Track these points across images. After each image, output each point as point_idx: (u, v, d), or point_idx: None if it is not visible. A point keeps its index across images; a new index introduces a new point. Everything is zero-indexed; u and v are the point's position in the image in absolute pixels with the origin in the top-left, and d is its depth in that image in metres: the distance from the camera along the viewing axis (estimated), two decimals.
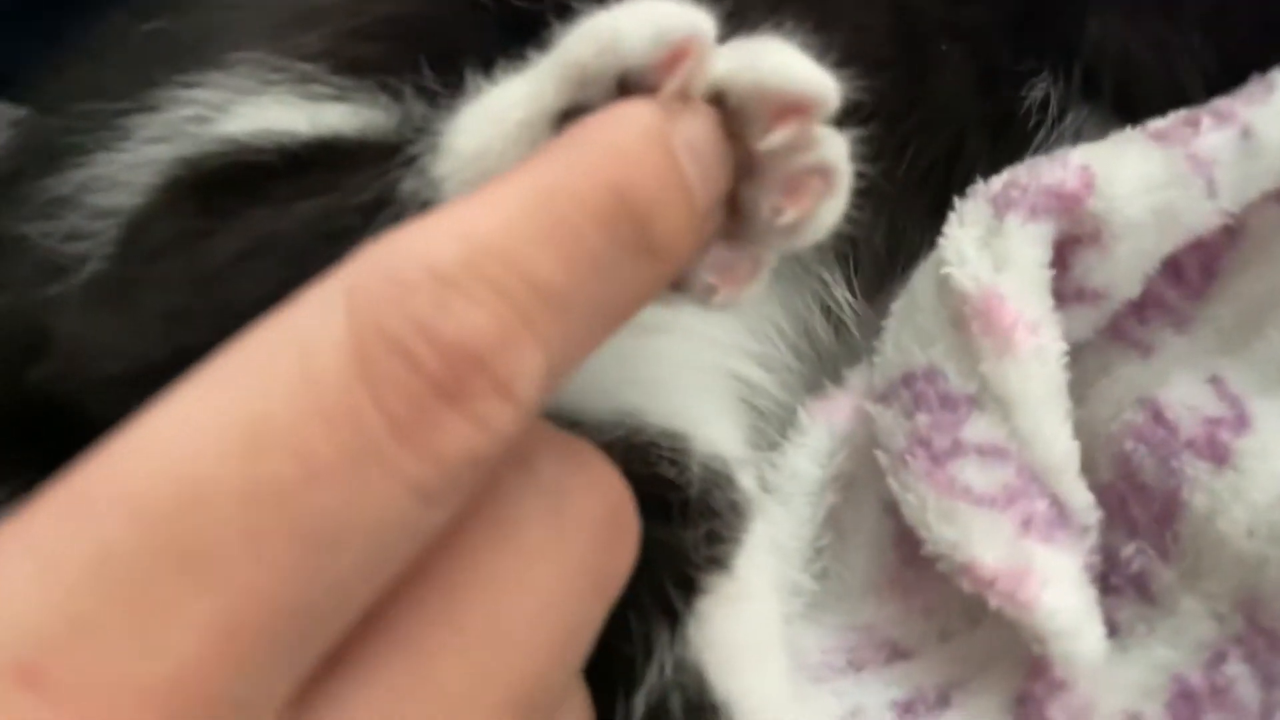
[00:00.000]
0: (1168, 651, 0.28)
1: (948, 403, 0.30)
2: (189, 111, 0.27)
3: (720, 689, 0.27)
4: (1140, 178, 0.30)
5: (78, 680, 0.15)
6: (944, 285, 0.31)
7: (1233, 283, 0.33)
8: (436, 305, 0.17)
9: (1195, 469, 0.29)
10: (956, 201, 0.32)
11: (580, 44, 0.22)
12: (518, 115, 0.23)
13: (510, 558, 0.20)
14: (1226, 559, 0.28)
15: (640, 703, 0.26)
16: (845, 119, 0.34)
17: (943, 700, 0.29)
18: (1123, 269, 0.31)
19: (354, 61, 0.27)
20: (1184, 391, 0.31)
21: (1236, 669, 0.27)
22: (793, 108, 0.22)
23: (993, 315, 0.29)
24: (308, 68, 0.27)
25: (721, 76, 0.22)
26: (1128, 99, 0.34)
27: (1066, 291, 0.31)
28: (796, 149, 0.22)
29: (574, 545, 0.21)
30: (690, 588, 0.28)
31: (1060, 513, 0.29)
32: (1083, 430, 0.31)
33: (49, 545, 0.16)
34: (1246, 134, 0.30)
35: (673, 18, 0.22)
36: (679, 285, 0.24)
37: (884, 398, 0.32)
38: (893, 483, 0.30)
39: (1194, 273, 0.33)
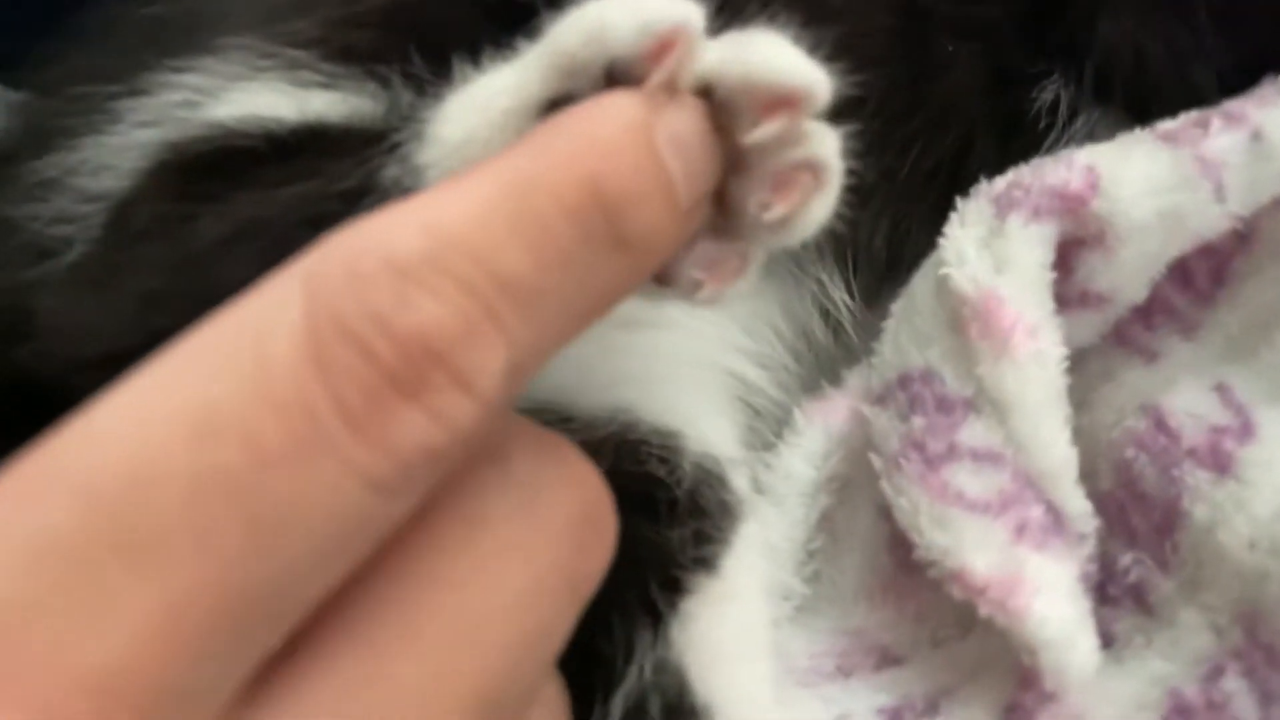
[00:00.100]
0: (1164, 664, 0.28)
1: (943, 406, 0.29)
2: (178, 96, 0.27)
3: (701, 692, 0.26)
4: (1146, 179, 0.29)
5: (11, 664, 0.14)
6: (942, 286, 0.30)
7: (1242, 288, 0.32)
8: (395, 296, 0.17)
9: (1196, 478, 0.28)
10: (958, 201, 0.32)
11: (568, 33, 0.22)
12: (503, 104, 0.23)
13: (477, 554, 0.19)
14: (1226, 571, 0.27)
15: (619, 704, 0.26)
16: (844, 116, 0.34)
17: (931, 708, 0.28)
18: (1127, 273, 0.30)
19: (344, 49, 0.27)
20: (1188, 399, 0.30)
21: (1234, 684, 0.27)
22: (782, 101, 0.21)
23: (991, 317, 0.29)
24: (298, 54, 0.27)
25: (710, 69, 0.21)
26: (1140, 101, 0.33)
27: (1069, 295, 0.31)
28: (786, 143, 0.22)
29: (545, 543, 0.20)
30: (675, 588, 0.27)
31: (1056, 520, 0.28)
32: (1084, 437, 0.31)
33: None
34: (1257, 136, 0.29)
35: (660, 9, 0.21)
36: (665, 279, 0.24)
37: (880, 399, 0.31)
38: (886, 486, 0.30)
39: (1203, 278, 0.32)
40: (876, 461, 0.30)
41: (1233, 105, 0.30)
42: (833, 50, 0.32)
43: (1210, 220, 0.30)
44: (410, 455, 0.17)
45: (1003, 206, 0.31)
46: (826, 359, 0.35)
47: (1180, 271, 0.32)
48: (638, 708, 0.26)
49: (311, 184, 0.24)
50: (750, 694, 0.27)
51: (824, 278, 0.34)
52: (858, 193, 0.33)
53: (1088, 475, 0.30)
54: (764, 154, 0.22)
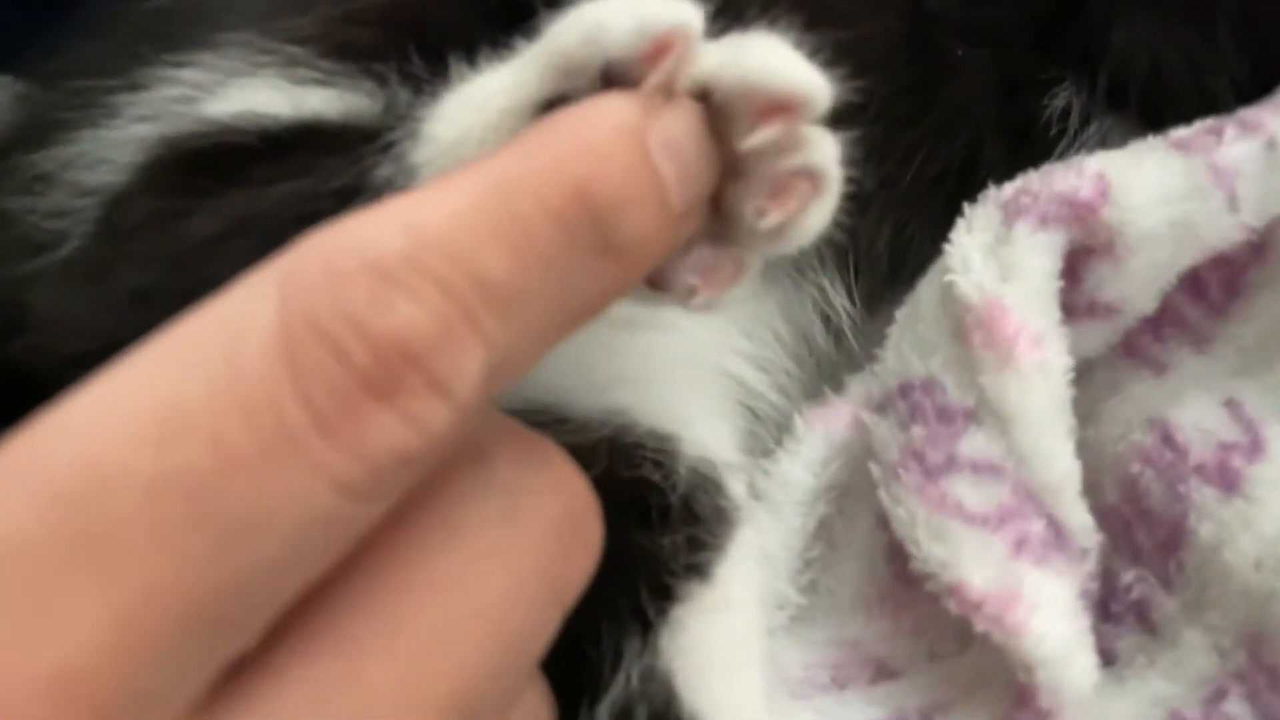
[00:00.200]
0: (1166, 685, 0.27)
1: (944, 415, 0.29)
2: (176, 91, 0.26)
3: (689, 702, 0.26)
4: (1158, 188, 0.29)
5: None
6: (947, 293, 0.30)
7: (1256, 301, 0.31)
8: (371, 298, 0.17)
9: (1203, 495, 0.28)
10: (965, 207, 0.31)
11: (565, 33, 0.22)
12: (499, 104, 0.22)
13: (456, 558, 0.19)
14: (1232, 591, 0.27)
15: (604, 712, 0.25)
16: (847, 120, 0.33)
17: None
18: (1137, 283, 0.30)
19: (343, 46, 0.27)
20: (1197, 413, 0.29)
21: (1236, 707, 0.26)
22: (779, 106, 0.21)
23: (995, 326, 0.28)
24: (296, 51, 0.27)
25: (707, 72, 0.21)
26: (1154, 109, 0.33)
27: (1077, 304, 0.30)
28: (783, 149, 0.22)
29: (526, 549, 0.20)
30: (666, 595, 0.27)
31: (1057, 534, 0.28)
32: (1089, 450, 0.30)
33: None
34: (1272, 145, 0.29)
35: (658, 10, 0.21)
36: (659, 284, 0.24)
37: (881, 407, 0.31)
38: (884, 496, 0.29)
39: (1216, 289, 0.32)
40: (876, 470, 0.30)
41: (1248, 113, 0.30)
42: (838, 53, 0.31)
43: (1222, 230, 0.29)
44: (382, 459, 0.16)
45: (1010, 213, 0.30)
46: (828, 364, 0.35)
47: (1193, 282, 0.31)
48: (624, 716, 0.25)
49: (304, 181, 0.24)
50: (740, 705, 0.27)
51: (825, 283, 0.33)
52: (859, 198, 0.33)
53: (1092, 489, 0.29)
54: (761, 160, 0.22)
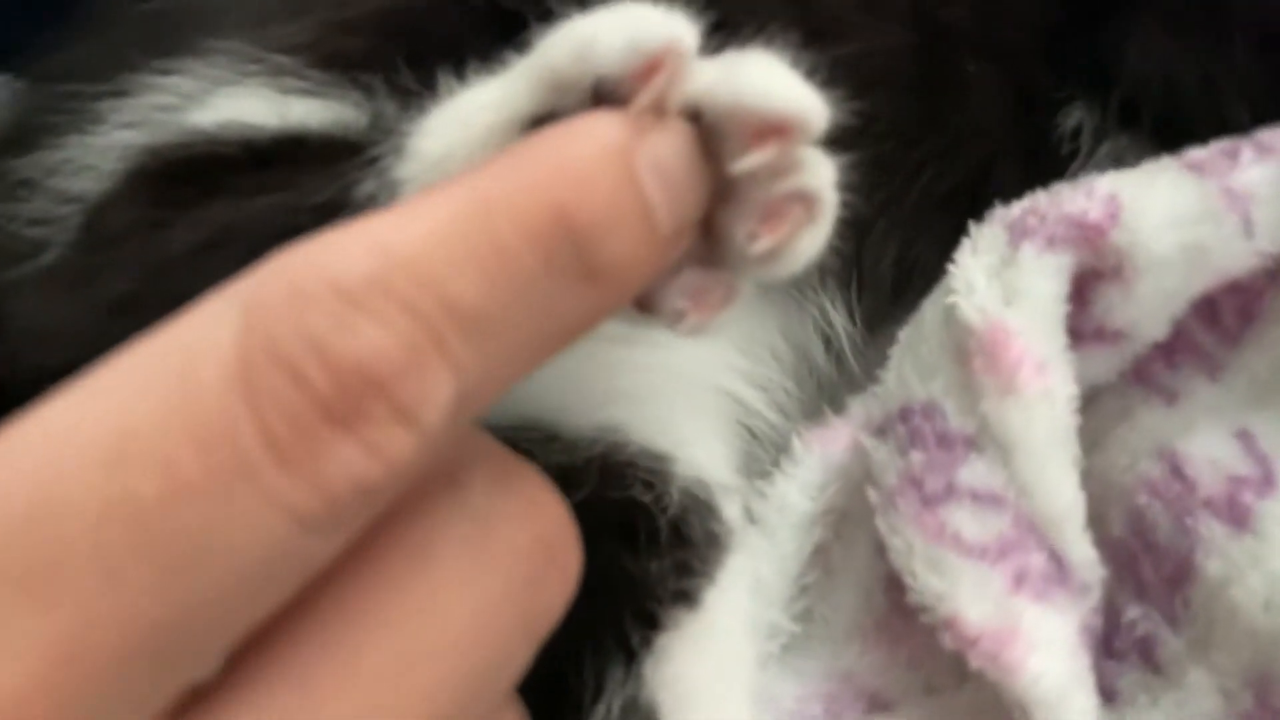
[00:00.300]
0: None
1: (944, 442, 0.28)
2: (162, 99, 0.26)
3: None
4: (1170, 210, 0.28)
5: None
6: (949, 316, 0.29)
7: (1271, 329, 0.30)
8: (335, 322, 0.16)
9: (1211, 530, 0.27)
10: (972, 227, 0.30)
11: (556, 48, 0.21)
12: (487, 119, 0.22)
13: (423, 586, 0.18)
14: (1239, 631, 0.26)
15: None
16: (853, 135, 0.32)
17: None
18: (1146, 308, 0.29)
19: (333, 56, 0.27)
20: (1208, 445, 0.28)
21: None
22: (773, 128, 0.20)
23: (997, 351, 0.27)
24: (285, 60, 0.26)
25: (700, 91, 0.20)
26: (1168, 129, 0.32)
27: (1085, 329, 0.29)
28: (777, 172, 0.21)
29: (498, 577, 0.19)
30: (651, 623, 0.26)
31: (1059, 568, 0.27)
32: (1096, 479, 0.29)
33: None
34: None
35: (650, 27, 0.20)
36: (648, 307, 0.23)
37: (881, 431, 0.30)
38: (881, 523, 0.28)
39: (1231, 315, 0.31)
40: (873, 496, 0.29)
41: (1265, 135, 0.29)
42: (846, 66, 0.30)
43: (1236, 256, 0.28)
44: (341, 491, 0.16)
45: (1016, 234, 0.29)
46: (829, 385, 0.34)
47: (1207, 308, 0.31)
48: None
49: (286, 195, 0.23)
50: None
51: (825, 303, 0.32)
52: (864, 216, 0.32)
53: (1098, 520, 0.28)
54: (753, 183, 0.21)
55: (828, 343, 0.34)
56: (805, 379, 0.34)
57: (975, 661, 0.25)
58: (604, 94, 0.21)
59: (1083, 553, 0.27)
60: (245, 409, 0.15)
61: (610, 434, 0.29)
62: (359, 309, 0.16)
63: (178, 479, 0.15)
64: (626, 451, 0.29)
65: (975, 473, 0.27)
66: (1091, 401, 0.30)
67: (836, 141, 0.22)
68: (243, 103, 0.26)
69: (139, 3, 0.30)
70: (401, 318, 0.16)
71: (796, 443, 0.32)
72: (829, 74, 0.23)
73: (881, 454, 0.29)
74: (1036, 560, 0.26)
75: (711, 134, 0.20)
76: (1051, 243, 0.29)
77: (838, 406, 0.33)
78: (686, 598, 0.27)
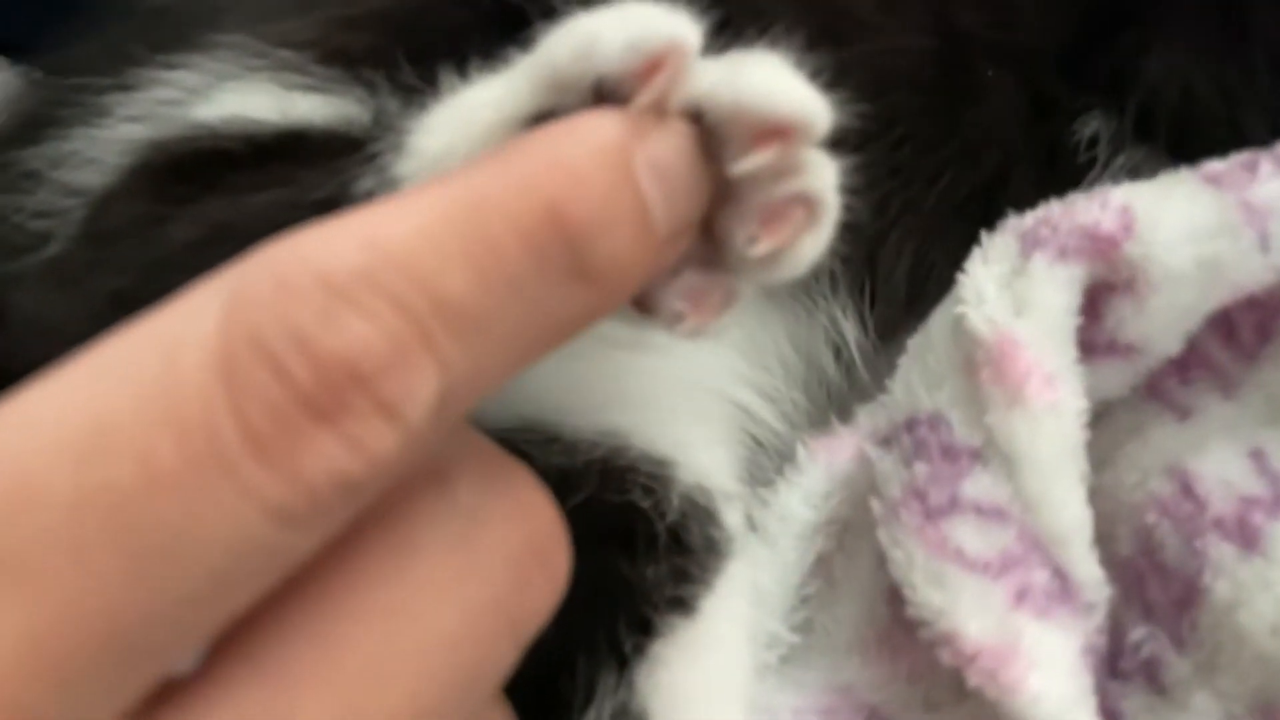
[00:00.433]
0: None
1: (949, 454, 0.27)
2: (167, 93, 0.26)
3: None
4: (1186, 223, 0.27)
5: None
6: (957, 325, 0.28)
7: None
8: (320, 314, 0.16)
9: (1220, 552, 0.26)
10: (983, 236, 0.30)
11: (558, 47, 0.21)
12: (487, 117, 0.22)
13: (406, 585, 0.18)
14: (1246, 656, 0.25)
15: None
16: (871, 140, 0.32)
17: None
18: (1159, 323, 0.28)
19: (337, 52, 0.26)
20: (1220, 463, 0.28)
21: None
22: (774, 130, 0.20)
23: (1005, 363, 0.27)
24: (289, 55, 0.26)
25: (701, 92, 0.20)
26: (1185, 141, 0.31)
27: (1097, 342, 0.29)
28: (778, 175, 0.21)
29: (484, 579, 0.19)
30: (645, 629, 0.26)
31: (1063, 586, 0.26)
32: (1105, 497, 0.28)
33: None
34: None
35: (652, 25, 0.20)
36: (647, 308, 0.23)
37: (886, 441, 0.29)
38: (883, 534, 0.28)
39: (1248, 332, 0.30)
40: (877, 507, 0.29)
41: None
42: (863, 70, 0.30)
43: (1252, 271, 0.27)
44: (320, 485, 0.16)
45: (1028, 244, 0.29)
46: (838, 396, 0.33)
47: (1224, 324, 0.30)
48: None
49: (285, 191, 0.23)
50: None
51: (836, 313, 0.32)
52: (878, 223, 0.32)
53: (1105, 539, 0.28)
54: (754, 185, 0.21)
55: (838, 353, 0.33)
56: (814, 389, 0.33)
57: (974, 678, 0.25)
58: (605, 93, 0.20)
59: (1088, 571, 0.27)
60: (225, 400, 0.15)
61: (612, 438, 0.29)
62: (344, 302, 0.16)
63: (155, 469, 0.15)
64: (627, 456, 0.29)
65: (980, 486, 0.27)
66: (1103, 417, 0.30)
67: (850, 145, 0.22)
68: (247, 98, 0.26)
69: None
70: (388, 312, 0.16)
71: (801, 451, 0.31)
72: (846, 77, 0.22)
73: (886, 464, 0.29)
74: (1040, 576, 0.26)
75: (713, 135, 0.20)
76: (1063, 254, 0.28)
77: (846, 417, 0.33)
78: (683, 604, 0.27)
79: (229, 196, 0.23)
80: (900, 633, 0.29)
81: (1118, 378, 0.30)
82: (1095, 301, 0.29)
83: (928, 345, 0.30)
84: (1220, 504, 0.27)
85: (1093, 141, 0.32)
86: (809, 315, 0.33)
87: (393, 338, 0.16)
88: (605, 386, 0.30)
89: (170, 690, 0.16)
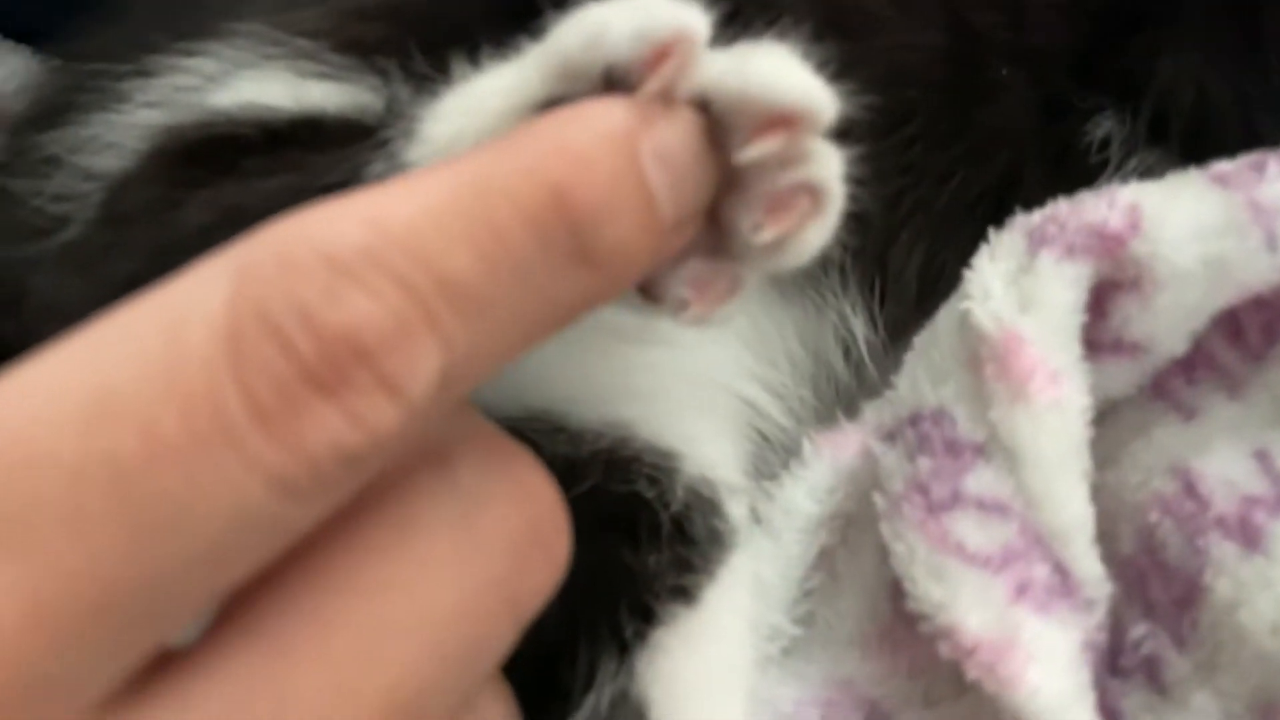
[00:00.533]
0: None
1: (952, 449, 0.28)
2: (184, 80, 0.27)
3: None
4: (1193, 222, 0.27)
5: None
6: (963, 321, 0.28)
7: None
8: (324, 291, 0.16)
9: (1222, 550, 0.26)
10: (991, 233, 0.30)
11: (568, 35, 0.21)
12: (497, 105, 0.22)
13: (405, 562, 0.18)
14: (1246, 655, 0.25)
15: None
16: (883, 136, 0.32)
17: None
18: (1165, 322, 0.28)
19: (352, 41, 0.27)
20: (1224, 463, 0.28)
21: None
22: (780, 119, 0.20)
23: (1010, 358, 0.27)
24: (305, 44, 0.27)
25: (708, 81, 0.20)
26: (1197, 143, 0.31)
27: (1103, 341, 0.29)
28: (783, 163, 0.21)
29: (482, 558, 0.19)
30: (647, 617, 0.26)
31: (1063, 582, 0.26)
32: (1109, 495, 0.28)
33: None
34: None
35: (661, 15, 0.20)
36: (652, 295, 0.23)
37: (890, 436, 0.30)
38: (885, 528, 0.28)
39: (1255, 333, 0.30)
40: (880, 501, 0.29)
41: None
42: (876, 66, 0.30)
43: (1259, 271, 0.27)
44: (322, 457, 0.16)
45: (1035, 241, 0.29)
46: (846, 393, 0.34)
47: (1231, 324, 0.30)
48: None
49: (296, 176, 0.23)
50: None
51: (846, 310, 0.32)
52: (888, 221, 0.32)
53: (1108, 537, 0.28)
54: (760, 173, 0.21)
55: (847, 351, 0.33)
56: (823, 386, 0.34)
57: (972, 672, 0.25)
58: (614, 81, 0.21)
59: (1089, 568, 0.27)
60: (230, 374, 0.16)
61: (617, 429, 0.29)
62: (349, 279, 0.16)
63: (158, 440, 0.15)
64: (633, 447, 0.29)
65: (982, 481, 0.27)
66: (1108, 415, 0.30)
67: (860, 140, 0.22)
68: (262, 85, 0.26)
69: None
70: (391, 289, 0.16)
71: (807, 446, 0.32)
72: (855, 70, 0.23)
73: (890, 459, 0.29)
74: (1040, 572, 0.26)
75: (719, 124, 0.20)
76: (1070, 251, 0.28)
77: (854, 414, 0.33)
78: (685, 594, 0.27)
79: (242, 181, 0.24)
80: (901, 628, 0.29)
81: (1123, 376, 0.30)
82: (1101, 299, 0.29)
83: (933, 340, 0.30)
84: (1223, 503, 0.27)
85: (1105, 143, 0.33)
86: (819, 312, 0.33)
87: (396, 315, 0.16)
88: (612, 378, 0.30)
89: (168, 660, 0.17)
